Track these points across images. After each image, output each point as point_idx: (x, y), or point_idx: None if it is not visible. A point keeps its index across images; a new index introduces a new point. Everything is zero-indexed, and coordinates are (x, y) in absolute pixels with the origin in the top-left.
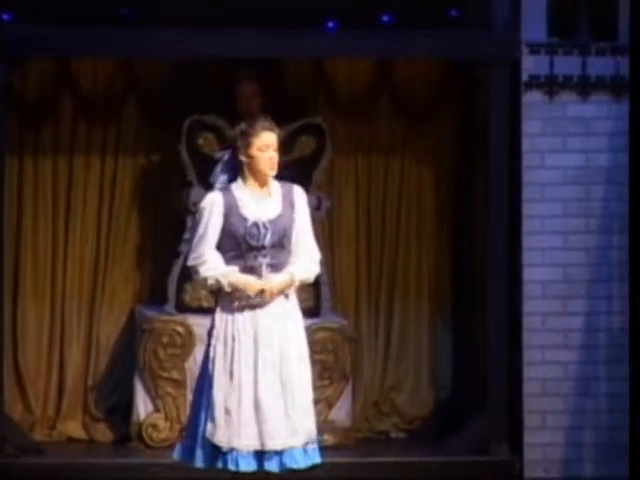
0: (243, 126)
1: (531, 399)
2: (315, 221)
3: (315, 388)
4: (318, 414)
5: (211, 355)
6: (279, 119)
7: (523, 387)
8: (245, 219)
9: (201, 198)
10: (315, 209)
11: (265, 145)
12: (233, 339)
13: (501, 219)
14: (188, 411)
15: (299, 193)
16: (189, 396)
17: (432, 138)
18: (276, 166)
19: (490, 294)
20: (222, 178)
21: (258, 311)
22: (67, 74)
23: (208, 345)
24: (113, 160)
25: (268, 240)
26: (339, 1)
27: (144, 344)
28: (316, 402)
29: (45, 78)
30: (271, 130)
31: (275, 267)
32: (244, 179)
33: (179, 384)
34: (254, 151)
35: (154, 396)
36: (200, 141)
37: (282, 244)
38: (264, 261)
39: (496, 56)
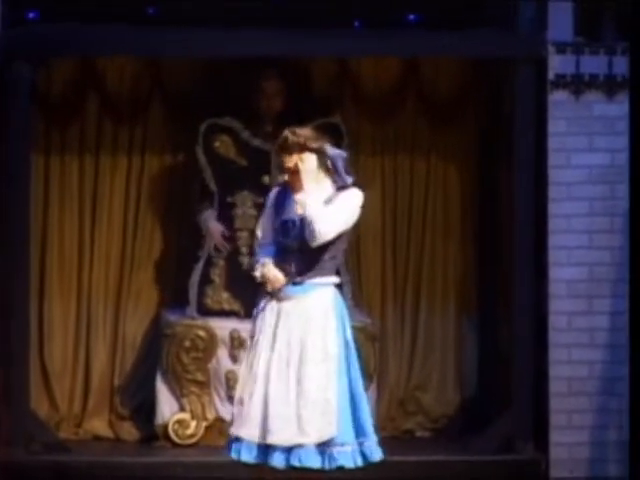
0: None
1: (557, 398)
2: None
3: None
4: None
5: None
6: (302, 118)
7: (549, 386)
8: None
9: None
10: None
11: None
12: (260, 332)
13: (527, 218)
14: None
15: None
16: (214, 394)
17: (458, 137)
18: None
19: (516, 293)
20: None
21: (282, 307)
22: (92, 73)
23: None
24: (139, 160)
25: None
26: (365, 1)
27: (167, 348)
28: None
29: (70, 77)
30: None
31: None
32: None
33: (203, 384)
34: None
35: (179, 396)
36: (216, 144)
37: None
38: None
39: (522, 55)
